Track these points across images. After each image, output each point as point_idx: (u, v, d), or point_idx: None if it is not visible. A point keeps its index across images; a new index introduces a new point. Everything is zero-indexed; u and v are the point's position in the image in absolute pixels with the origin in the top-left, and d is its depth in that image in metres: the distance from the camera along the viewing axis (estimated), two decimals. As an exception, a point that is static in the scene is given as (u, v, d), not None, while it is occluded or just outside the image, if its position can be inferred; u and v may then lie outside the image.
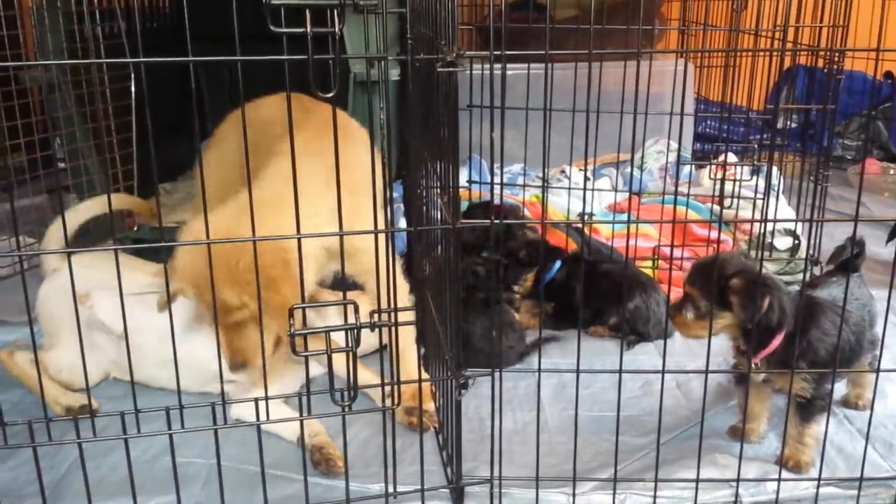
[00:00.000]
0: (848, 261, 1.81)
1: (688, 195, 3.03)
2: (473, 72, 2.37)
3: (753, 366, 1.68)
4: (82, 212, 2.18)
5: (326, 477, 1.72)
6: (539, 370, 1.59)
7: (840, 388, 1.98)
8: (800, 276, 2.65)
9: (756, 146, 3.12)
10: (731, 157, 3.10)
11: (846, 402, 1.99)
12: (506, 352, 2.19)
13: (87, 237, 2.92)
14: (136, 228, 2.92)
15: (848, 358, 1.73)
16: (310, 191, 1.57)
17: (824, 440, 1.64)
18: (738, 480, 1.63)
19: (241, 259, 1.62)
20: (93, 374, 2.08)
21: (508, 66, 1.35)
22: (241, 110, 1.38)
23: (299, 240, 1.38)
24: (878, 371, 1.69)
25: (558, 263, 2.49)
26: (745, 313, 1.60)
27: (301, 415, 1.51)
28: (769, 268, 2.70)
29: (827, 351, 1.66)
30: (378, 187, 1.44)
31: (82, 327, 1.93)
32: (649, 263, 2.75)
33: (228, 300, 1.66)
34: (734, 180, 2.73)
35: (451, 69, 1.39)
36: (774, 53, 2.70)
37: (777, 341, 1.65)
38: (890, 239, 2.85)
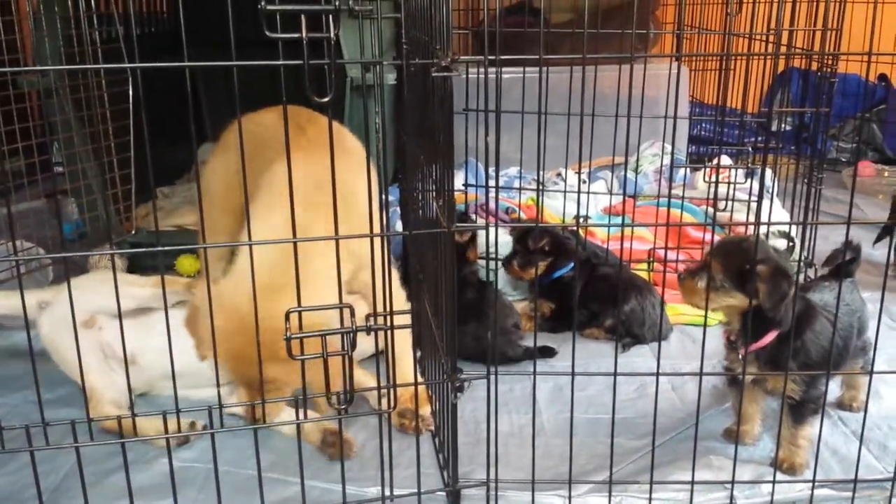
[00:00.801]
0: (842, 265, 1.81)
1: (682, 198, 3.04)
2: (469, 76, 2.38)
3: (743, 361, 1.69)
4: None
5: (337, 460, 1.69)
6: (534, 373, 1.60)
7: (834, 390, 1.99)
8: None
9: (750, 149, 3.13)
10: (726, 160, 3.11)
11: (840, 404, 2.00)
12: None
13: (84, 241, 2.94)
14: (133, 232, 2.92)
15: (835, 363, 1.73)
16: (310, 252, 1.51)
17: (818, 442, 1.65)
18: (732, 482, 1.63)
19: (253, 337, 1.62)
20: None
21: (504, 69, 1.36)
22: (246, 118, 1.38)
23: (296, 248, 1.38)
24: (871, 373, 1.70)
25: (571, 265, 2.51)
26: (770, 301, 1.61)
27: (297, 417, 1.51)
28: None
29: (817, 353, 1.67)
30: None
31: (97, 351, 1.92)
32: (644, 266, 2.76)
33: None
34: (729, 183, 2.74)
35: (445, 74, 1.40)
36: (768, 57, 2.72)
37: (769, 338, 1.66)
38: (877, 240, 2.87)
